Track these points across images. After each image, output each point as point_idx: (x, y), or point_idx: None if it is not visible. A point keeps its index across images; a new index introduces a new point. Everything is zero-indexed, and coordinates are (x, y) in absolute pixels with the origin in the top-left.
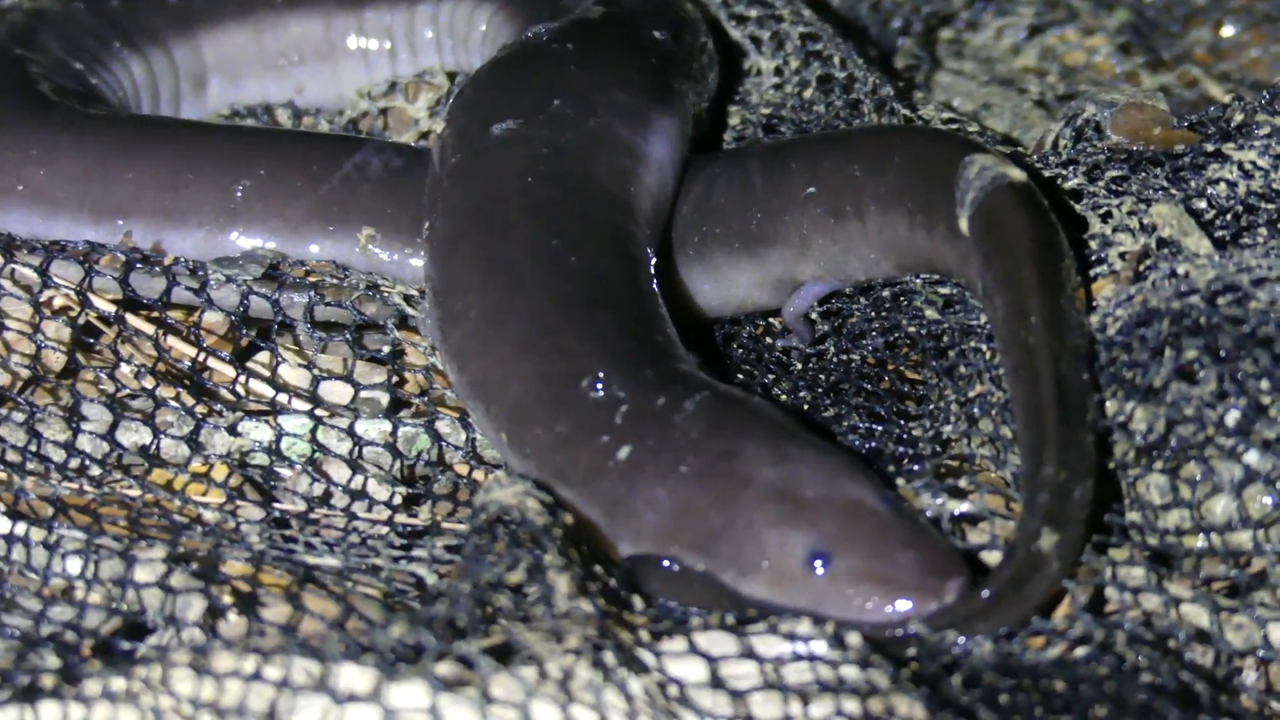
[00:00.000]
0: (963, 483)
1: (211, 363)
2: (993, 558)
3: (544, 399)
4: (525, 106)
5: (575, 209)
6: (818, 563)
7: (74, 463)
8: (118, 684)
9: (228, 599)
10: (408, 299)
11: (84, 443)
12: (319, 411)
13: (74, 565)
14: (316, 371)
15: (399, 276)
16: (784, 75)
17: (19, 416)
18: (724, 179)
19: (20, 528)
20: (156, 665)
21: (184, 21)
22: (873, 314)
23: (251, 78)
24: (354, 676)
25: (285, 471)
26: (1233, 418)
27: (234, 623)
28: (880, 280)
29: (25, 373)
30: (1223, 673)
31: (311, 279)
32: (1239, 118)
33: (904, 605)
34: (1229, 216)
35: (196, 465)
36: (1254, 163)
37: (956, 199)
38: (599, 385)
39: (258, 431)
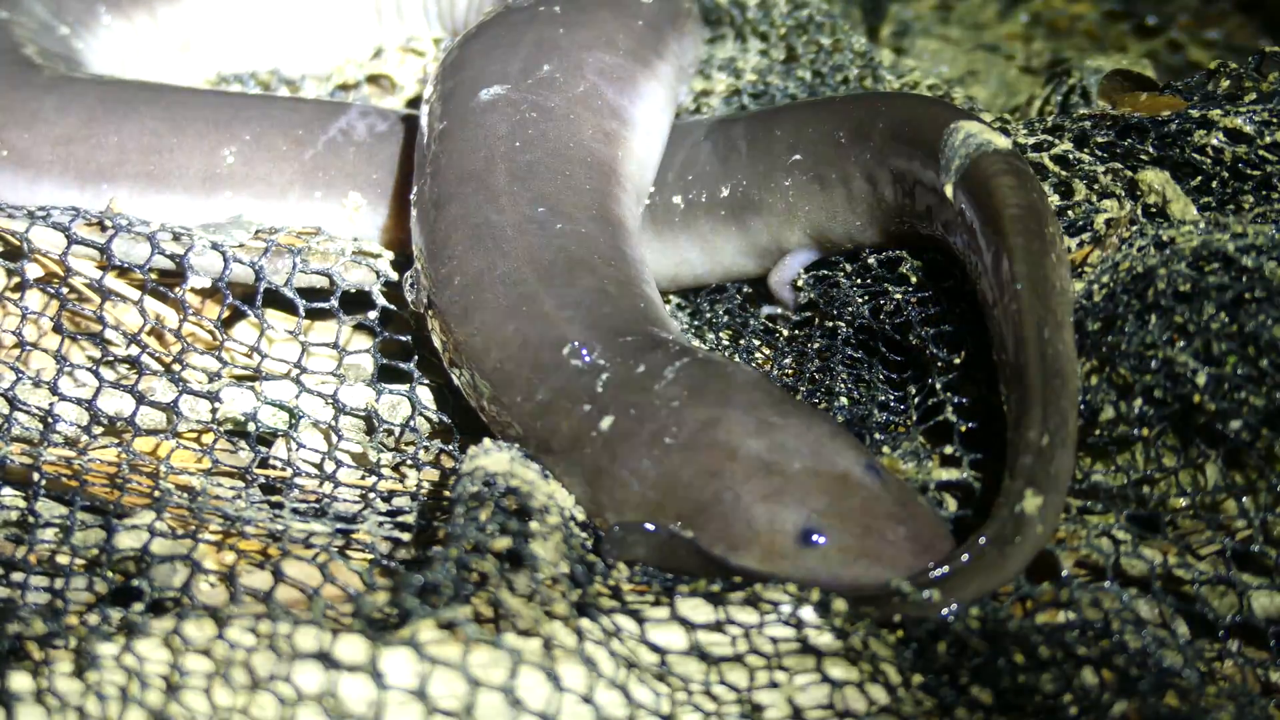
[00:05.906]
0: (948, 450)
1: (195, 329)
2: (978, 524)
3: (525, 366)
4: (512, 70)
5: (560, 173)
6: (807, 538)
7: (57, 429)
8: (104, 648)
9: (211, 565)
10: (393, 264)
11: (67, 409)
12: (303, 378)
13: (58, 531)
14: (300, 338)
15: (385, 241)
16: (770, 41)
17: (3, 384)
18: (710, 145)
19: (6, 494)
20: (141, 631)
21: None
22: (858, 281)
23: (237, 43)
24: (338, 643)
25: (269, 438)
26: (1217, 383)
27: (218, 589)
28: (866, 247)
29: (11, 339)
30: (1206, 638)
31: (296, 244)
32: (1225, 84)
33: (893, 579)
34: (1215, 183)
35: (180, 432)
36: (1240, 129)
37: (942, 165)
38: (580, 352)
39: (241, 398)
